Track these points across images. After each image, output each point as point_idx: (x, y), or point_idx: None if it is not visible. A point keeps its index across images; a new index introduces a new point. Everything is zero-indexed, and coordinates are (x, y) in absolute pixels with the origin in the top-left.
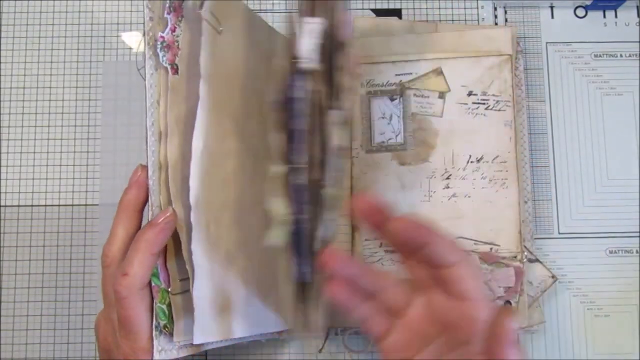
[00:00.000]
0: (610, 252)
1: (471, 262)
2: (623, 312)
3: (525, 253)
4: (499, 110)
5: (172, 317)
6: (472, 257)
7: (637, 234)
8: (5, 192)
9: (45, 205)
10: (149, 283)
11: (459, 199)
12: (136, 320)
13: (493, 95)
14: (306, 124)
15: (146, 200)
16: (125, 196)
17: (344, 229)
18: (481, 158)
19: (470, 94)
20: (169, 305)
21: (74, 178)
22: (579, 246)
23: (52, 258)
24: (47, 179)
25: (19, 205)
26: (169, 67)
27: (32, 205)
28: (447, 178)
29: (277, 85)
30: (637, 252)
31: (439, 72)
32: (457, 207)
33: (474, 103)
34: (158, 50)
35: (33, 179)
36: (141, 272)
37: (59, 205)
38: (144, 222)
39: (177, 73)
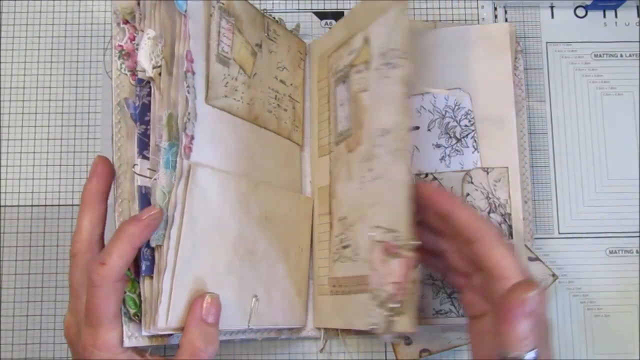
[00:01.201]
0: (610, 252)
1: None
2: (623, 312)
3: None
4: (395, 67)
5: (141, 306)
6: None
7: (637, 234)
8: (5, 192)
9: (45, 205)
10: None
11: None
12: (103, 311)
13: (391, 49)
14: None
15: (108, 189)
16: (86, 188)
17: None
18: (389, 132)
19: (382, 55)
20: (139, 295)
21: (73, 178)
22: (579, 246)
23: (52, 258)
24: (47, 179)
25: (19, 205)
26: (129, 75)
27: (32, 205)
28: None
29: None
30: (637, 252)
31: (366, 40)
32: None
33: (383, 64)
34: (117, 58)
35: (33, 179)
36: (119, 263)
37: (58, 205)
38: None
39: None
